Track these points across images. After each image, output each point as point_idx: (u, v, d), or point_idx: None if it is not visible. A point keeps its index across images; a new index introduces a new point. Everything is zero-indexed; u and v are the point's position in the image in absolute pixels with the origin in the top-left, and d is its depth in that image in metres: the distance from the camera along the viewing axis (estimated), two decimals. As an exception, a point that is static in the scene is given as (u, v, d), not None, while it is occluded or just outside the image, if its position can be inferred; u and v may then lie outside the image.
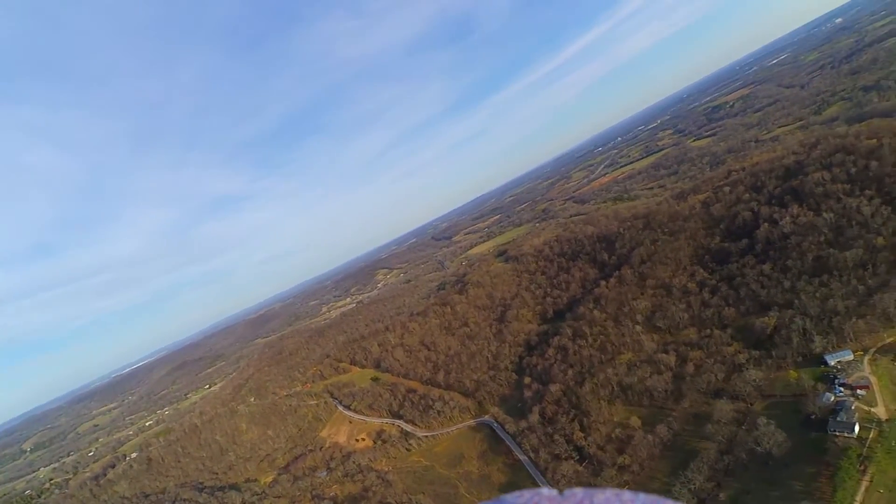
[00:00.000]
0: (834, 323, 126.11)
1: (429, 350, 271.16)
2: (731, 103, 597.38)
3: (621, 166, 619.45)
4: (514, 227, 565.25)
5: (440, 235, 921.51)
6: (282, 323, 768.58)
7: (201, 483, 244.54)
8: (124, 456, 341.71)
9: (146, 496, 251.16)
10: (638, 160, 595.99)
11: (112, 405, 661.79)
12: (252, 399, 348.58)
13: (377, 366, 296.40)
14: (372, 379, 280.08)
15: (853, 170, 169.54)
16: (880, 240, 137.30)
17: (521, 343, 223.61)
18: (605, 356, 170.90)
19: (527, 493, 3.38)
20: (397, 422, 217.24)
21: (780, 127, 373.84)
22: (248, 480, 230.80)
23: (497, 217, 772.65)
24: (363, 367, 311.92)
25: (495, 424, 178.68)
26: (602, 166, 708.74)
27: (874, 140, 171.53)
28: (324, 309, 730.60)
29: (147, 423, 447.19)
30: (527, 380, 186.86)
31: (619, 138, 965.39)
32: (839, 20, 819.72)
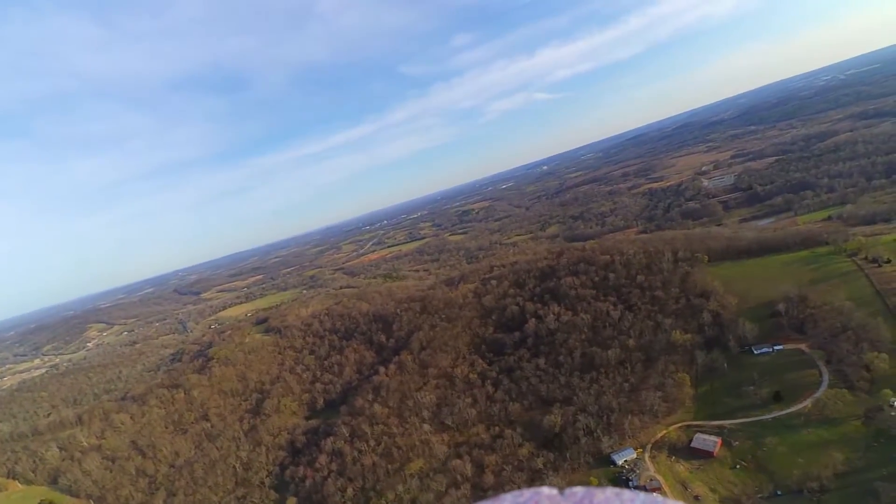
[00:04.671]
0: (612, 420, 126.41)
1: (144, 457, 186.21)
2: (476, 210, 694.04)
3: (388, 246, 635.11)
4: (279, 292, 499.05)
5: (186, 289, 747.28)
6: None
7: None
8: None
9: None
10: (403, 243, 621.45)
11: None
12: None
13: (53, 482, 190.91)
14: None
15: (596, 278, 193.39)
16: (631, 341, 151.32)
17: (284, 445, 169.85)
18: (393, 465, 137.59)
19: (527, 492, 3.35)
20: None
21: (516, 235, 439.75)
22: None
23: (259, 277, 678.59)
24: (28, 482, 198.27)
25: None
26: (371, 243, 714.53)
27: (608, 256, 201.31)
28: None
29: None
30: (291, 502, 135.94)
31: (385, 221, 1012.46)
32: (545, 167, 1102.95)
